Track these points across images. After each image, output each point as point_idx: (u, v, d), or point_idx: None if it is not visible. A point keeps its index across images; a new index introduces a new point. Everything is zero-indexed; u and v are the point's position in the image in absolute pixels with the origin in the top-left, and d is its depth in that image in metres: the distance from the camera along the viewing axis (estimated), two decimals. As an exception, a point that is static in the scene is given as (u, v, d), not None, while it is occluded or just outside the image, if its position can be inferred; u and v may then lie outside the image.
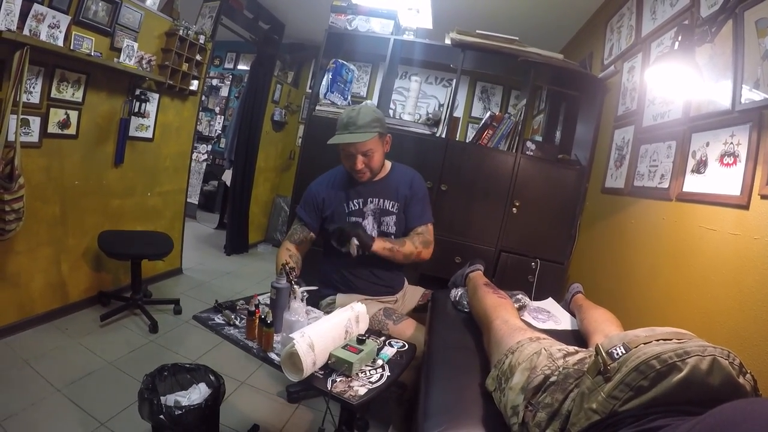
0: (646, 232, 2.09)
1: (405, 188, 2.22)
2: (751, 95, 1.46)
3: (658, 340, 0.90)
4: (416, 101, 3.17)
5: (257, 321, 1.60)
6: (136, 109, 3.43)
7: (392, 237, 2.18)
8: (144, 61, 3.37)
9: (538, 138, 4.10)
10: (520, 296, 2.00)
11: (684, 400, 0.81)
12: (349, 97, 3.15)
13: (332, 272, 2.23)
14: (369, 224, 2.17)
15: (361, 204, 2.17)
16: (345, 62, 3.08)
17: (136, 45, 3.23)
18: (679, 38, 1.56)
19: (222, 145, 6.66)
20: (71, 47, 2.76)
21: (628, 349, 0.90)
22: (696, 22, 1.73)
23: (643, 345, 0.89)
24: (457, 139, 3.44)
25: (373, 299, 2.18)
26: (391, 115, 3.32)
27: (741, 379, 0.83)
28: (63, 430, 2.09)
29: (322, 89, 3.01)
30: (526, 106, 2.83)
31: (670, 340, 0.90)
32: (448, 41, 2.88)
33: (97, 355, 2.73)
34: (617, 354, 0.91)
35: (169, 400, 1.89)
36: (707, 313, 1.55)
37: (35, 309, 2.93)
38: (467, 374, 1.40)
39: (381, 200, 2.18)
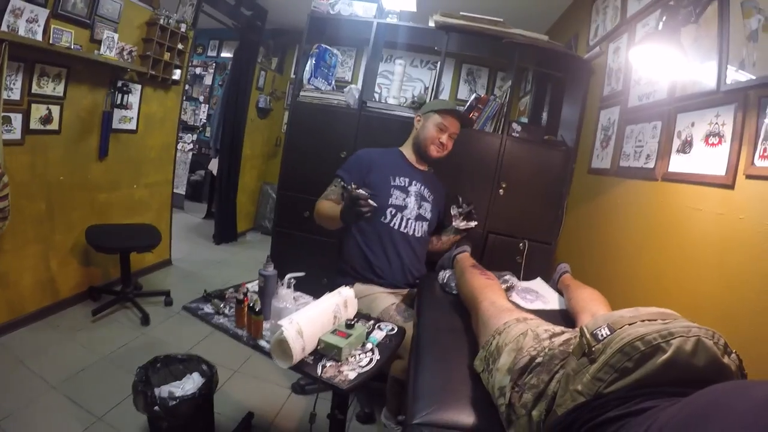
0: (632, 213, 2.11)
1: (439, 189, 2.44)
2: (736, 76, 1.47)
3: (642, 321, 0.90)
4: (401, 85, 3.16)
5: (246, 309, 1.61)
6: (119, 101, 3.36)
7: (427, 223, 2.34)
8: (125, 52, 3.32)
9: (524, 120, 4.11)
10: (507, 277, 2.01)
11: (669, 381, 0.81)
12: (333, 82, 3.13)
13: (357, 259, 2.26)
14: (411, 203, 2.27)
15: (407, 183, 2.28)
16: (328, 47, 3.06)
17: (116, 36, 3.17)
18: (664, 19, 1.56)
19: (207, 134, 6.59)
20: (50, 41, 2.71)
21: (613, 330, 0.90)
22: (681, 2, 1.73)
23: (627, 326, 0.89)
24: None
25: (388, 292, 2.21)
26: (377, 99, 3.31)
27: (726, 359, 0.83)
28: (61, 427, 2.09)
29: (306, 75, 2.99)
30: (511, 88, 2.83)
31: (655, 320, 0.90)
32: (432, 24, 2.86)
33: (90, 350, 2.72)
34: (602, 335, 0.90)
35: (163, 391, 1.89)
36: (693, 292, 1.57)
37: (26, 307, 2.91)
38: (456, 356, 1.41)
39: (423, 187, 2.32)
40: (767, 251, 1.25)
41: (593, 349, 0.89)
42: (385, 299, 2.11)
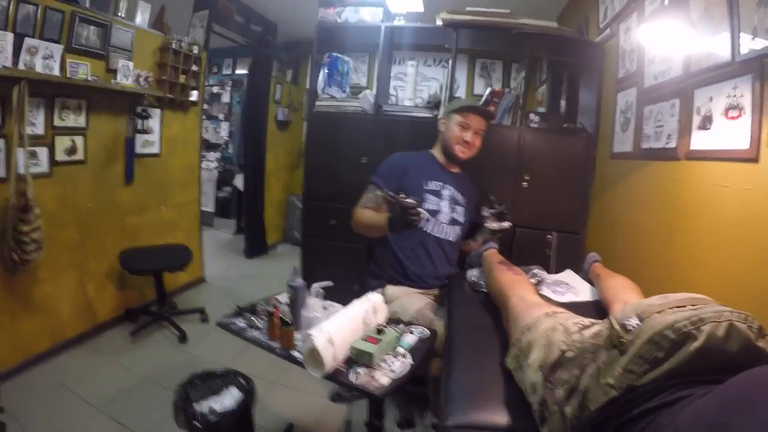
0: (658, 195, 2.07)
1: (471, 190, 2.44)
2: (750, 45, 1.43)
3: (672, 308, 0.88)
4: (415, 86, 3.17)
5: (277, 321, 1.63)
6: (140, 127, 3.46)
7: (461, 227, 2.33)
8: (141, 79, 3.41)
9: (542, 110, 4.05)
10: (536, 271, 1.99)
11: (703, 368, 0.78)
12: (348, 89, 3.15)
13: (391, 263, 2.26)
14: (445, 207, 2.27)
15: (440, 187, 2.28)
16: (339, 55, 3.08)
17: (131, 64, 3.26)
18: None
19: (230, 151, 6.71)
20: (67, 75, 2.80)
21: (642, 319, 0.88)
22: None
23: (656, 314, 0.87)
24: (461, 118, 3.42)
25: (420, 293, 2.21)
26: (394, 102, 3.31)
27: (761, 343, 0.80)
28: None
29: (320, 84, 3.02)
30: (525, 79, 2.82)
31: (685, 306, 0.87)
32: (439, 22, 2.86)
33: (131, 371, 2.80)
34: (631, 326, 0.89)
35: (203, 407, 1.92)
36: (727, 273, 1.52)
37: (66, 333, 3.01)
38: (488, 354, 1.40)
39: (455, 191, 2.32)
40: None
41: (623, 340, 0.88)
42: (418, 300, 2.11)
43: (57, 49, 2.71)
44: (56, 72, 2.72)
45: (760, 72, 1.38)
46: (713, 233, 1.62)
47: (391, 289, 2.19)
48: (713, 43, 1.63)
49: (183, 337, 3.20)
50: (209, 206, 6.61)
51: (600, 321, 1.16)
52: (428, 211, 2.17)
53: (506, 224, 2.34)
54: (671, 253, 1.91)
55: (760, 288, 1.35)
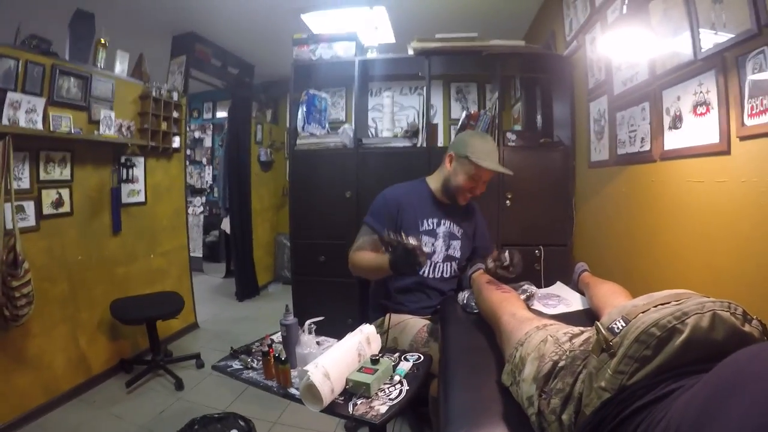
0: (638, 198, 2.10)
1: (470, 216, 2.33)
2: (710, 41, 1.49)
3: (656, 306, 0.89)
4: (392, 116, 3.23)
5: (272, 360, 1.62)
6: (125, 176, 3.49)
7: (457, 261, 2.25)
8: (124, 128, 3.44)
9: (518, 127, 4.13)
10: (526, 286, 2.00)
11: (691, 360, 0.80)
12: (327, 126, 3.19)
13: (385, 298, 2.23)
14: (439, 246, 2.20)
15: (435, 224, 2.20)
16: (316, 92, 3.13)
17: (113, 114, 3.29)
18: (626, 2, 1.58)
19: (215, 195, 6.72)
20: (51, 128, 2.82)
21: (628, 320, 0.89)
22: None
23: (641, 314, 0.88)
24: (441, 144, 3.47)
25: (419, 317, 2.17)
26: (373, 134, 3.37)
27: (747, 327, 0.81)
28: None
29: (300, 122, 3.06)
30: (499, 99, 2.87)
31: (668, 303, 0.89)
32: (411, 52, 2.93)
33: (128, 422, 2.75)
34: (617, 328, 0.90)
35: (204, 453, 1.90)
36: (710, 264, 1.55)
37: (61, 387, 2.96)
38: (484, 373, 1.40)
39: (452, 224, 2.23)
40: None
41: (611, 343, 0.88)
42: (415, 325, 2.09)
43: (39, 103, 2.75)
44: (39, 126, 2.74)
45: (723, 66, 1.43)
46: (693, 228, 1.66)
47: (393, 317, 2.15)
48: (675, 44, 1.69)
49: (179, 384, 3.15)
50: (197, 251, 6.60)
51: (589, 328, 1.17)
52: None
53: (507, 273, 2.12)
54: (655, 251, 1.94)
55: (740, 277, 1.39)
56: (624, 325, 0.89)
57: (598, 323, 0.95)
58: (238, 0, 3.60)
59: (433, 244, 2.17)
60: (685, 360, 0.80)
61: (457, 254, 2.25)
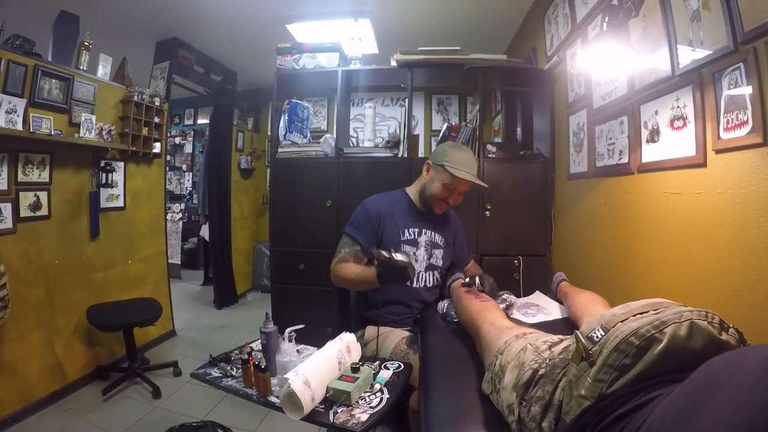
0: (616, 209, 2.14)
1: (450, 224, 2.34)
2: (687, 57, 1.54)
3: (634, 315, 0.91)
4: (374, 126, 3.24)
5: (252, 368, 1.62)
6: (104, 181, 3.45)
7: (439, 270, 2.25)
8: (104, 132, 3.40)
9: (498, 140, 4.18)
10: (505, 296, 2.02)
11: (670, 369, 0.81)
12: (308, 135, 3.20)
13: (367, 309, 2.23)
14: (421, 255, 2.20)
15: (416, 234, 2.20)
16: (299, 101, 3.14)
17: (94, 117, 3.26)
18: (606, 19, 1.62)
19: (195, 202, 6.69)
20: (31, 129, 2.79)
21: (607, 329, 0.91)
22: (623, 1, 1.80)
23: (620, 323, 0.90)
24: (421, 155, 3.50)
25: (398, 328, 2.17)
26: (354, 144, 3.39)
27: (724, 336, 0.83)
28: None
29: (281, 131, 3.06)
30: (480, 111, 2.91)
31: (647, 312, 0.90)
32: (394, 63, 2.96)
33: (104, 430, 2.70)
34: (597, 337, 0.91)
35: (181, 462, 1.88)
36: (688, 274, 1.59)
37: (36, 394, 2.90)
38: (464, 381, 1.41)
39: (433, 233, 2.23)
40: (750, 220, 1.28)
41: (590, 351, 0.90)
42: (394, 337, 2.09)
43: (20, 103, 2.72)
44: (19, 126, 2.72)
45: (699, 82, 1.48)
46: (671, 238, 1.69)
47: (370, 330, 2.16)
48: (654, 60, 1.74)
49: (157, 392, 3.10)
50: (175, 258, 6.54)
51: (568, 336, 1.19)
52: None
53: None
54: (634, 262, 1.98)
55: (718, 285, 1.42)
56: (603, 334, 0.91)
57: (578, 332, 0.97)
58: (224, 7, 3.60)
59: (414, 254, 2.18)
60: (664, 369, 0.82)
61: (439, 263, 2.26)
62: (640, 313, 0.91)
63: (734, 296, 1.34)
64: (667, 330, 0.83)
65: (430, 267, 2.24)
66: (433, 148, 3.10)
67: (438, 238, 2.25)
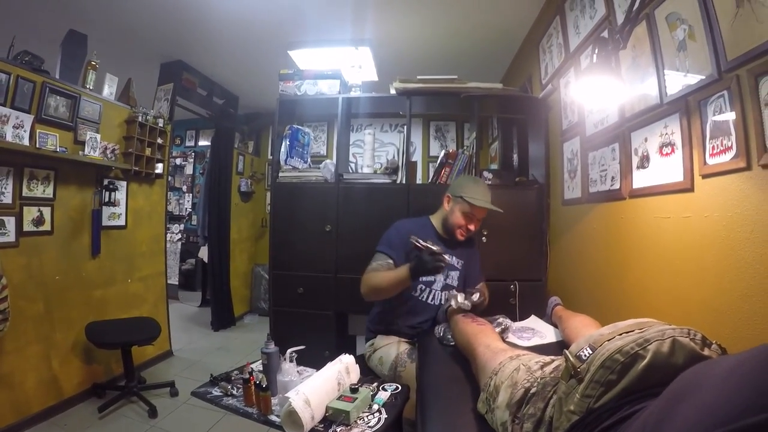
0: (609, 234, 2.19)
1: (468, 250, 2.51)
2: (674, 86, 1.61)
3: (620, 335, 0.96)
4: (373, 152, 3.29)
5: (253, 387, 1.65)
6: (107, 199, 3.50)
7: (455, 290, 2.34)
8: (108, 151, 3.47)
9: (494, 166, 4.25)
10: (501, 320, 2.06)
11: (654, 383, 0.85)
12: (309, 160, 3.26)
13: (386, 325, 2.38)
14: (439, 275, 2.33)
15: None
16: (300, 127, 3.21)
17: (98, 136, 3.33)
18: (596, 51, 1.69)
19: (194, 223, 6.70)
20: (37, 145, 2.85)
21: (594, 348, 0.96)
22: (614, 29, 1.88)
23: (606, 342, 0.95)
24: (419, 181, 3.56)
25: (401, 340, 2.32)
26: (353, 169, 3.45)
27: (707, 351, 0.89)
28: None
29: (282, 156, 3.11)
30: (477, 138, 2.96)
31: (632, 331, 0.96)
32: (393, 91, 3.03)
33: (100, 449, 2.69)
34: (585, 355, 0.97)
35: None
36: (678, 295, 1.63)
37: (31, 408, 2.90)
38: (460, 402, 1.45)
39: (452, 257, 2.32)
40: (736, 241, 1.33)
41: (579, 369, 0.95)
42: (398, 347, 2.24)
43: (27, 119, 2.78)
44: (26, 141, 2.76)
45: (686, 109, 1.55)
46: (661, 261, 1.74)
47: (380, 338, 2.34)
48: (643, 89, 1.81)
49: (153, 412, 3.10)
50: (173, 279, 6.54)
51: (559, 357, 1.24)
52: (424, 282, 2.31)
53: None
54: (625, 284, 2.03)
55: (706, 304, 1.47)
56: (591, 352, 0.96)
57: (567, 351, 1.02)
58: (228, 32, 3.70)
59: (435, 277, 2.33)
60: (648, 383, 0.86)
61: (455, 283, 2.41)
62: (626, 332, 0.96)
63: (721, 314, 1.38)
64: (650, 347, 0.88)
65: (446, 287, 2.37)
66: (431, 174, 3.15)
67: (456, 261, 2.40)
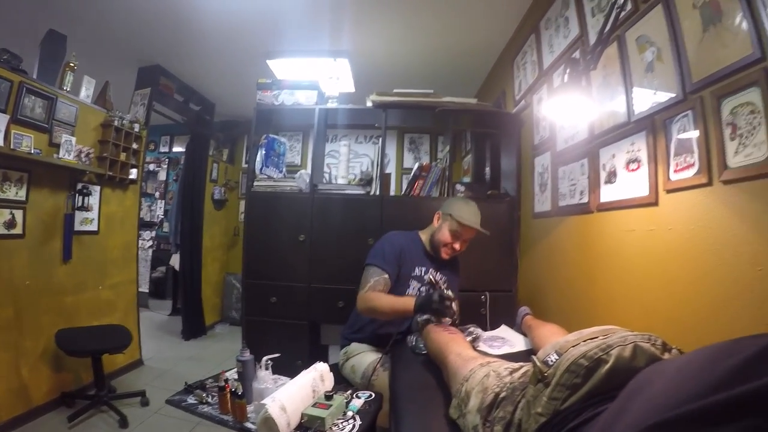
0: (577, 246, 2.28)
1: (453, 268, 2.54)
2: (642, 106, 1.70)
3: (585, 341, 1.01)
4: (347, 164, 3.33)
5: (228, 395, 1.67)
6: (80, 204, 3.45)
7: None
8: (83, 155, 3.43)
9: (467, 179, 4.32)
10: (472, 329, 2.12)
11: (616, 386, 0.89)
12: (284, 169, 3.27)
13: (362, 329, 2.40)
14: (423, 290, 2.37)
15: (423, 272, 2.39)
16: (276, 136, 3.22)
17: (74, 139, 3.29)
18: (567, 71, 1.76)
19: (165, 230, 6.64)
20: (11, 146, 2.79)
21: (560, 354, 1.01)
22: (586, 50, 1.96)
23: (572, 348, 1.00)
24: (393, 192, 3.58)
25: (374, 349, 2.34)
26: (327, 180, 3.48)
27: (666, 355, 0.94)
28: None
29: (258, 165, 3.12)
30: (450, 151, 3.04)
31: (596, 337, 1.01)
32: (369, 104, 3.08)
33: (69, 459, 2.65)
34: (551, 361, 1.02)
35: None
36: (643, 304, 1.71)
37: (-1, 417, 2.82)
38: (433, 408, 1.48)
39: (437, 273, 2.38)
40: (698, 253, 1.41)
41: (546, 374, 1.00)
42: (372, 355, 2.26)
43: (3, 119, 2.74)
44: (0, 142, 2.71)
45: (652, 127, 1.64)
46: (626, 272, 1.83)
47: (354, 346, 2.37)
48: (612, 106, 1.91)
49: (124, 422, 3.05)
50: (144, 286, 6.42)
51: (528, 363, 1.30)
52: (409, 296, 2.32)
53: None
54: (593, 295, 2.11)
55: (668, 313, 1.55)
56: (557, 357, 1.02)
57: (534, 357, 1.08)
58: (207, 39, 3.71)
59: (419, 289, 2.37)
60: (611, 386, 0.91)
61: None
62: (591, 338, 1.02)
63: (682, 322, 1.47)
64: (612, 352, 0.94)
65: None
66: (404, 185, 3.21)
67: (440, 277, 2.40)
